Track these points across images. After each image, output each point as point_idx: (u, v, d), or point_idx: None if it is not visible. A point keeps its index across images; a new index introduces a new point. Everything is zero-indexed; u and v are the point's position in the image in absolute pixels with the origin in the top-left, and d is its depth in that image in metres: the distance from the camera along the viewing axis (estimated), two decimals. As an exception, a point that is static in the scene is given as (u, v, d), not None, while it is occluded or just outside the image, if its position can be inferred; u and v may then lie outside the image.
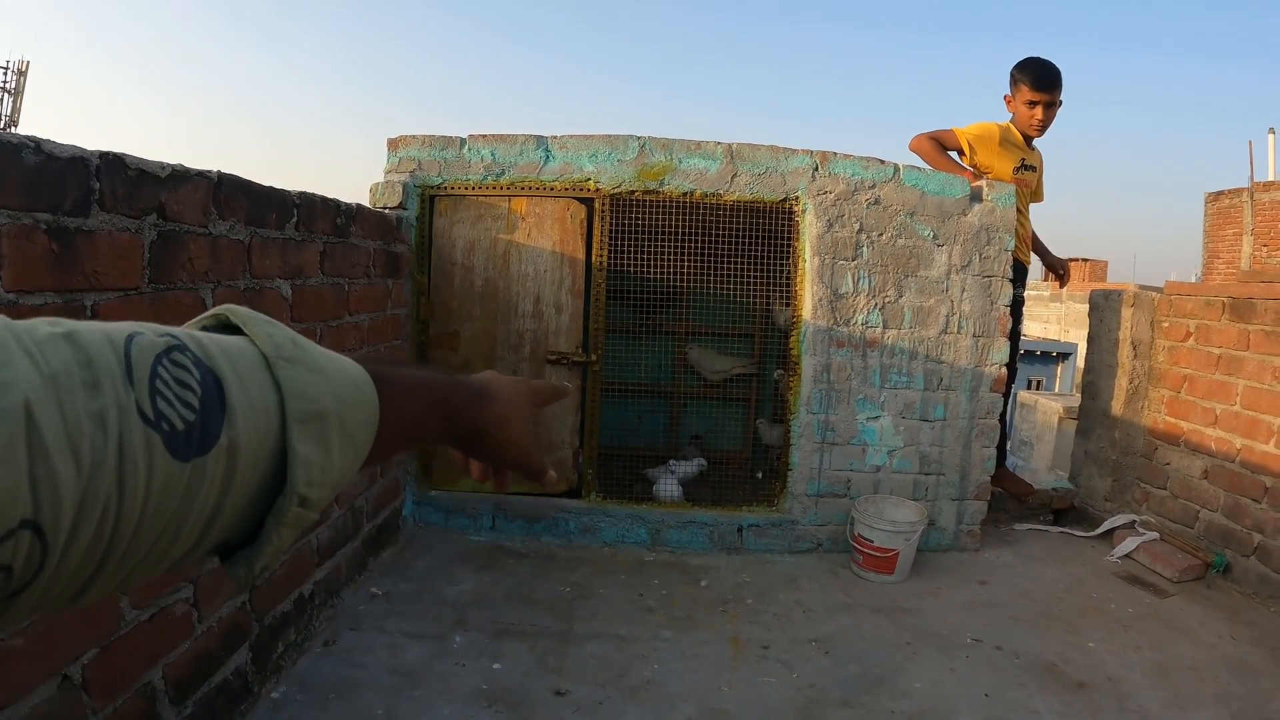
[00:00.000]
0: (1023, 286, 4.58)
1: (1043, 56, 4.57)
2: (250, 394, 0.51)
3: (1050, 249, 4.98)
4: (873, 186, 4.06)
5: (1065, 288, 5.02)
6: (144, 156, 1.93)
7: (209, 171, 2.21)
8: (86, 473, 0.40)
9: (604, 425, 4.41)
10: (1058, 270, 5.09)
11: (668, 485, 4.34)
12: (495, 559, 3.84)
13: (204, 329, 0.57)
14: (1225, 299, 4.27)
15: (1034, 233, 4.87)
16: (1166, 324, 4.64)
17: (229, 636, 2.40)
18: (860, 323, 4.09)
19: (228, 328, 0.57)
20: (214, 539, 0.51)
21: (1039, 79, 4.49)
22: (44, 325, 0.43)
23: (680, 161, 4.04)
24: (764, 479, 4.79)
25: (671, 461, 4.61)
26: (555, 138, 4.04)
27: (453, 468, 4.12)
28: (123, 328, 0.46)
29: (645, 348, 4.81)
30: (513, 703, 2.68)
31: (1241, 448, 4.10)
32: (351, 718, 2.53)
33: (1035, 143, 4.73)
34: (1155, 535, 4.44)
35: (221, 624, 2.35)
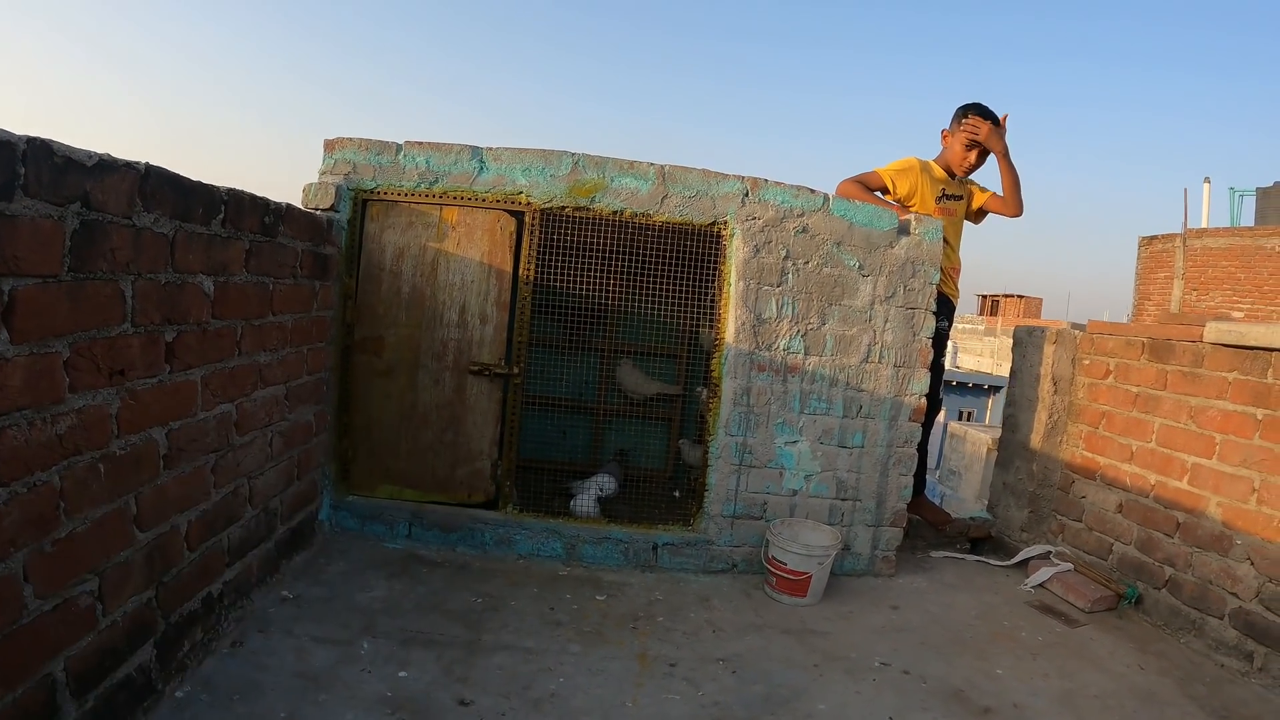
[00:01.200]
0: (947, 320, 4.68)
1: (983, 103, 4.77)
2: None
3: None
4: (801, 215, 4.13)
5: (999, 323, 5.10)
6: (71, 144, 1.91)
7: (136, 163, 2.18)
8: None
9: (525, 438, 4.43)
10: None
11: (584, 501, 4.35)
12: (409, 567, 3.82)
13: None
14: (1145, 339, 4.42)
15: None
16: (1088, 361, 4.77)
17: (134, 632, 2.35)
18: (782, 348, 4.15)
19: None
20: None
21: (988, 119, 4.71)
22: None
23: (612, 180, 4.07)
24: (681, 498, 4.82)
25: (590, 478, 4.61)
26: (490, 149, 4.05)
27: (373, 472, 4.11)
28: None
29: (570, 363, 4.83)
30: (416, 711, 2.67)
31: (1156, 483, 4.25)
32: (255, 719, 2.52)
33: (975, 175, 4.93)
34: (1069, 566, 4.56)
35: (127, 619, 2.30)
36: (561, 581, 3.89)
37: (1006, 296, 54.34)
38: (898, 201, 4.75)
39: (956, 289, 4.90)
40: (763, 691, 3.06)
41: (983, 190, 5.04)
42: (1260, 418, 3.77)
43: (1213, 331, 4.09)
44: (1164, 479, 4.21)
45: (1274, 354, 3.77)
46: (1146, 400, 4.37)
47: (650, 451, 5.24)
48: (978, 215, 5.07)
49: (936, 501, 5.62)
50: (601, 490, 4.54)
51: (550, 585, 3.83)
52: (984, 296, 59.17)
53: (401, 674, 2.88)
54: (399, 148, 3.99)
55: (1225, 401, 3.96)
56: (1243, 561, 3.75)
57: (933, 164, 4.84)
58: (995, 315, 47.63)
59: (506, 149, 4.04)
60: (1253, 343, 3.89)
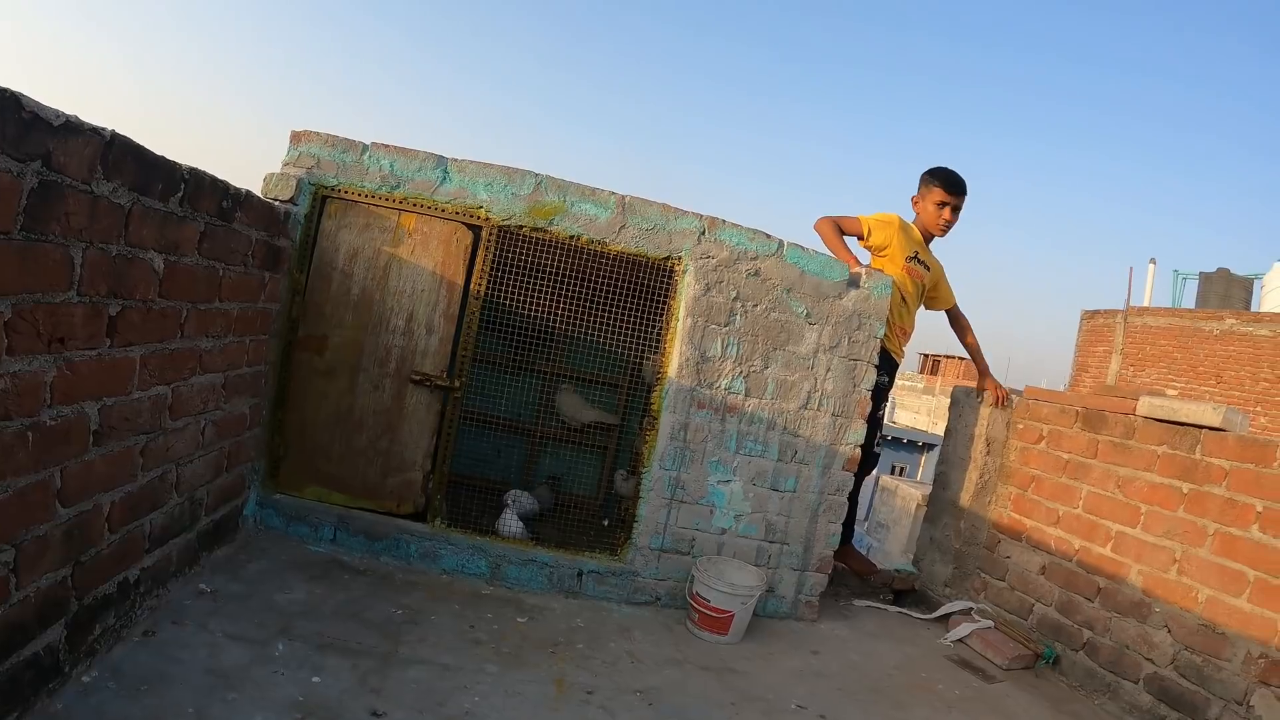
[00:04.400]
0: (889, 376, 4.77)
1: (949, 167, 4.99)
2: None
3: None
4: (755, 258, 4.18)
5: (939, 383, 5.28)
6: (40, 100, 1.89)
7: (102, 128, 2.14)
8: None
9: (460, 453, 4.39)
10: (984, 369, 5.36)
11: (512, 522, 4.31)
12: (331, 572, 3.75)
13: None
14: (1079, 408, 4.57)
15: (970, 329, 5.35)
16: (1021, 426, 4.89)
17: (46, 610, 2.27)
18: (723, 387, 4.19)
19: None
20: None
21: (950, 183, 4.96)
22: None
23: (573, 205, 4.09)
24: (610, 527, 4.81)
25: (519, 499, 4.58)
26: (455, 160, 4.04)
27: (303, 472, 4.06)
28: None
29: (512, 382, 4.80)
30: (327, 718, 2.62)
31: (1080, 548, 4.38)
32: (161, 712, 2.43)
33: (935, 253, 5.13)
34: (990, 623, 4.65)
35: (39, 595, 2.23)
36: (484, 600, 3.86)
37: (948, 357, 54.86)
38: (869, 249, 4.92)
39: (902, 350, 5.05)
40: (677, 726, 3.06)
41: (950, 289, 5.29)
42: (1186, 491, 3.91)
43: (1145, 406, 4.22)
44: (1088, 544, 4.33)
45: (1203, 431, 3.92)
46: (1076, 467, 4.49)
47: (583, 478, 5.22)
48: (931, 301, 5.25)
49: (864, 552, 5.69)
50: (523, 508, 4.50)
51: (472, 603, 3.79)
52: (926, 355, 59.82)
53: (315, 679, 2.82)
54: (365, 147, 3.97)
55: (1153, 474, 4.09)
56: (1160, 629, 3.88)
57: (913, 226, 5.03)
58: (935, 375, 48.29)
59: (472, 162, 4.04)
60: (1183, 419, 4.03)
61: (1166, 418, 4.14)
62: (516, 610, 3.82)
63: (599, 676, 3.33)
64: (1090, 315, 25.51)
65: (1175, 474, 4.00)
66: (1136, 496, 4.15)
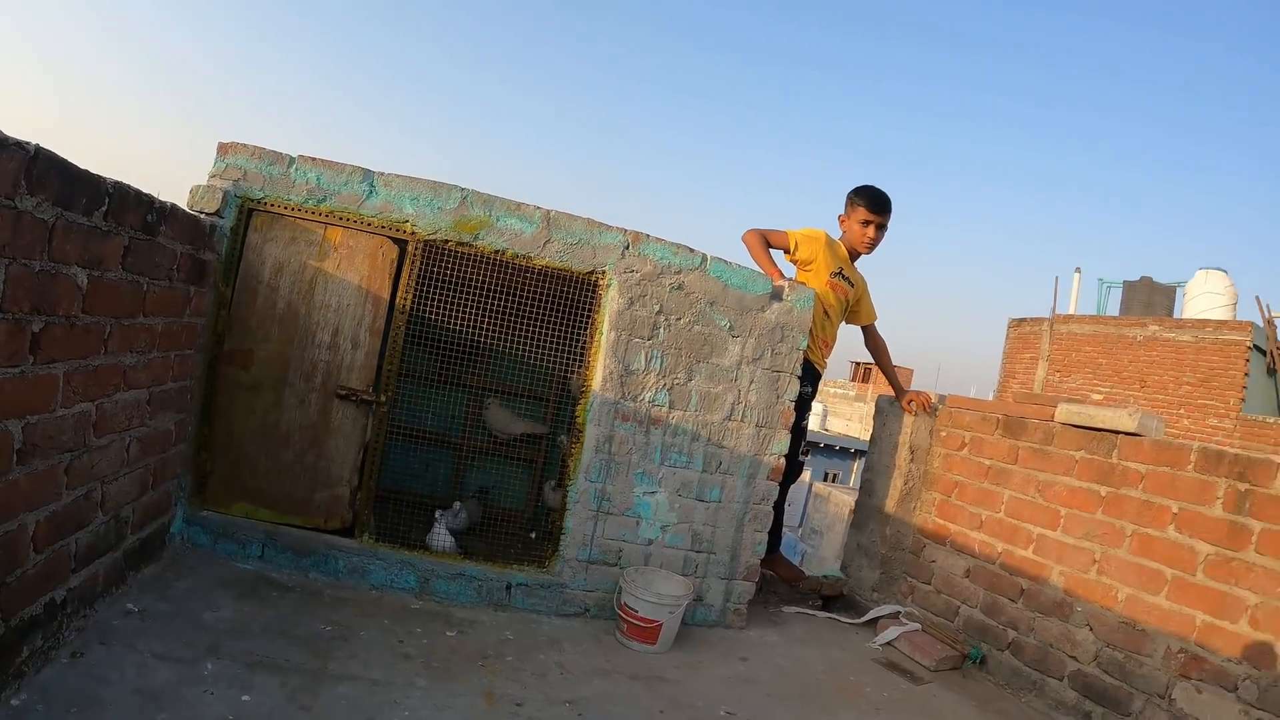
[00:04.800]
0: (812, 386, 4.87)
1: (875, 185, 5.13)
2: None
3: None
4: (678, 272, 4.26)
5: (870, 390, 5.41)
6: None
7: (26, 143, 2.12)
8: None
9: (387, 468, 4.39)
10: (899, 386, 5.55)
11: (441, 536, 4.32)
12: (259, 589, 3.71)
13: None
14: (1000, 415, 4.72)
15: (885, 349, 5.54)
16: (945, 433, 5.02)
17: None
18: (648, 400, 4.25)
19: None
20: None
21: (875, 202, 5.08)
22: None
23: (498, 219, 4.12)
24: (538, 540, 4.83)
25: (448, 513, 4.56)
26: (382, 174, 4.04)
27: (229, 488, 4.03)
28: None
29: (439, 397, 4.77)
30: (259, 735, 2.61)
31: (1003, 551, 4.53)
32: (91, 733, 2.43)
33: (860, 269, 5.29)
34: (917, 626, 4.78)
35: None
36: (413, 615, 3.85)
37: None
38: (795, 263, 5.03)
39: (824, 361, 5.16)
40: (606, 734, 3.10)
41: (872, 306, 5.44)
42: (1104, 494, 4.08)
43: (1063, 412, 4.37)
44: (1011, 547, 4.49)
45: (1120, 436, 4.07)
46: (998, 473, 4.63)
47: (512, 491, 5.22)
48: (853, 315, 5.39)
49: (797, 560, 5.78)
50: (453, 522, 4.48)
51: (401, 618, 3.78)
52: (856, 364, 60.28)
53: (245, 698, 2.81)
54: (291, 160, 3.94)
55: (1071, 478, 4.25)
56: (1082, 627, 4.05)
57: (839, 243, 5.16)
58: (867, 383, 48.81)
59: (398, 176, 4.05)
60: (1100, 424, 4.19)
61: (1084, 423, 4.30)
62: (446, 624, 3.83)
63: (528, 688, 3.35)
64: (1017, 323, 26.52)
65: (1093, 478, 4.16)
66: (1056, 500, 4.31)
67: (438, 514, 4.45)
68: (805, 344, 4.48)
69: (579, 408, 4.28)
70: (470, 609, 4.08)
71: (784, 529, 5.25)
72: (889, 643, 4.68)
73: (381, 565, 4.09)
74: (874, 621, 4.97)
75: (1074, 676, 4.05)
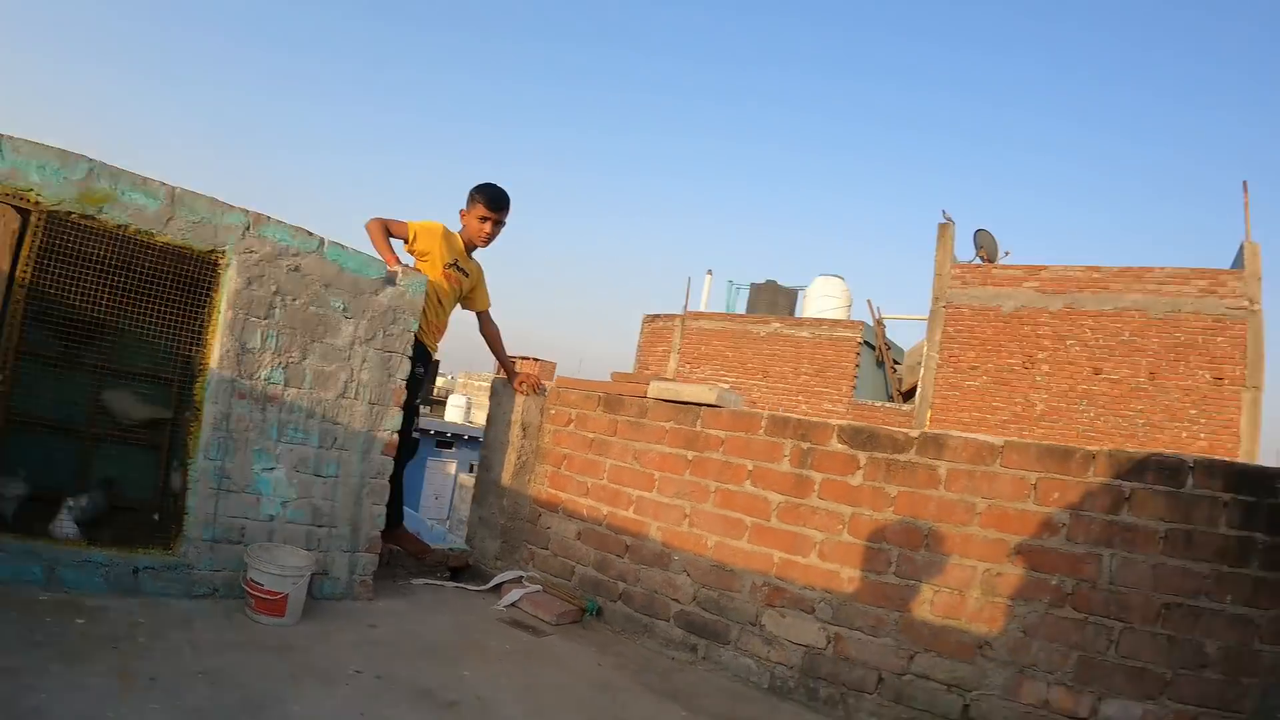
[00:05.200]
0: (424, 368, 5.18)
1: (496, 183, 5.43)
2: None
3: (508, 346, 5.86)
4: (296, 254, 4.38)
5: (522, 385, 5.72)
6: None
7: None
8: None
9: (5, 456, 4.26)
10: (510, 369, 5.91)
11: (64, 524, 4.21)
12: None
13: None
14: (601, 394, 5.19)
15: (498, 335, 5.83)
16: (554, 411, 5.46)
17: None
18: (264, 378, 4.35)
19: None
20: None
21: (492, 200, 5.41)
22: None
23: (123, 193, 4.03)
24: (162, 521, 4.75)
25: (71, 500, 4.48)
26: (11, 139, 3.81)
27: None
28: None
29: (62, 380, 4.60)
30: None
31: (608, 514, 5.03)
32: None
33: (479, 259, 5.65)
34: (539, 588, 5.17)
35: None
36: (41, 605, 3.75)
37: (524, 358, 56.57)
38: (413, 253, 5.26)
39: (436, 345, 5.44)
40: (240, 698, 3.20)
41: (486, 295, 5.78)
42: (690, 458, 4.66)
43: (655, 389, 4.91)
44: (615, 510, 4.99)
45: (702, 408, 4.64)
46: (601, 445, 5.12)
47: (139, 476, 5.10)
48: (468, 302, 5.72)
49: (444, 545, 6.03)
50: (80, 511, 4.38)
51: (29, 610, 3.67)
52: (504, 359, 61.25)
53: None
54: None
55: (663, 446, 4.80)
56: (681, 573, 4.62)
57: (456, 236, 5.45)
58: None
59: (28, 141, 3.84)
60: (686, 399, 4.78)
61: (672, 398, 4.85)
62: (76, 612, 3.76)
63: (161, 665, 3.39)
64: (651, 319, 29.07)
65: (681, 444, 4.72)
66: (651, 465, 4.85)
67: (69, 503, 4.33)
68: (416, 326, 4.74)
69: (197, 386, 4.31)
70: (100, 596, 4.01)
71: (432, 522, 5.52)
72: (513, 604, 5.00)
73: (5, 557, 3.91)
74: (499, 587, 5.29)
75: (678, 616, 4.59)
